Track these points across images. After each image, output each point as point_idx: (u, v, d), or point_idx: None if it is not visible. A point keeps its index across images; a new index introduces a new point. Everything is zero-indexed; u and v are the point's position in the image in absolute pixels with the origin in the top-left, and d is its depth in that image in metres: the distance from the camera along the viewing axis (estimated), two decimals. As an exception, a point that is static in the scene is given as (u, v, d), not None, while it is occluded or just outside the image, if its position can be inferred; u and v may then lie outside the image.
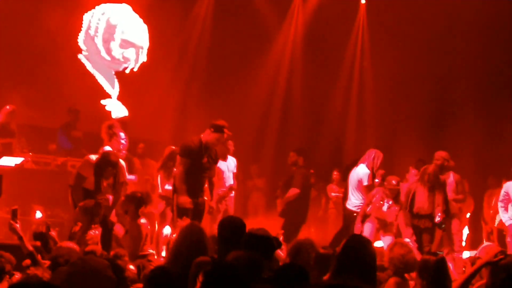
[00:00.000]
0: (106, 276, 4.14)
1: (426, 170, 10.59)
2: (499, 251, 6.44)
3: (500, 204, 10.69)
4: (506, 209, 10.59)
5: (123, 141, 10.04)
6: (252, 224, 6.67)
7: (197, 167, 9.38)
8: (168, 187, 10.90)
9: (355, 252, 4.79)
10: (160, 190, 11.38)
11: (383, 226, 11.00)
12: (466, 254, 11.59)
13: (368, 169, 11.44)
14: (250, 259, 4.91)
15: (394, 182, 10.95)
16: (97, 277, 4.10)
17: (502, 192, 10.69)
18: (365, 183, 11.31)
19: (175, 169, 9.73)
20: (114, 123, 10.33)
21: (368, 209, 11.10)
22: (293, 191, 12.18)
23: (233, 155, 12.32)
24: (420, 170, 11.04)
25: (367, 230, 10.97)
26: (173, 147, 11.10)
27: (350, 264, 4.72)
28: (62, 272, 4.55)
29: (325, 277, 5.51)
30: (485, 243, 8.62)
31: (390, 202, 10.89)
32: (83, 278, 4.09)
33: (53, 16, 14.07)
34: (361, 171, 11.40)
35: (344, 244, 4.93)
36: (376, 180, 11.46)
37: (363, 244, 4.94)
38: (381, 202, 10.97)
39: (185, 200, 9.24)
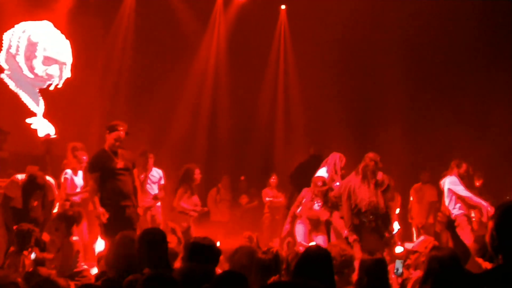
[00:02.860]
0: None
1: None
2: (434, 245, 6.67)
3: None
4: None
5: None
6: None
7: (110, 174, 9.25)
8: (186, 206, 11.46)
9: (313, 264, 4.89)
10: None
11: (315, 227, 11.13)
12: (399, 249, 11.85)
13: (328, 173, 11.46)
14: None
15: (319, 183, 11.11)
16: None
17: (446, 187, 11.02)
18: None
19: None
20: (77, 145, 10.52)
21: (298, 210, 11.24)
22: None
23: (159, 167, 12.28)
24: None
25: (299, 231, 11.09)
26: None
27: (307, 274, 4.80)
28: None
29: (274, 278, 5.60)
30: (421, 237, 8.77)
31: (320, 203, 11.05)
32: None
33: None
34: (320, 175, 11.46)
35: (303, 255, 5.04)
36: (337, 183, 11.55)
37: (322, 255, 5.05)
38: (312, 202, 11.12)
39: (99, 212, 9.12)
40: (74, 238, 8.47)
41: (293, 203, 11.71)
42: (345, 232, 10.23)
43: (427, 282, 5.12)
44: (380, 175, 10.62)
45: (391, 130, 15.16)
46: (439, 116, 15.46)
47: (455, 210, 11.05)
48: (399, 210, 13.52)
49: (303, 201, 11.18)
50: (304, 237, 10.99)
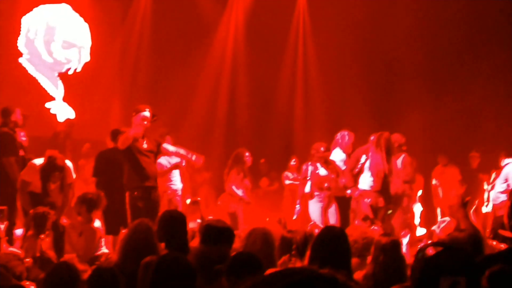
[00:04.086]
0: None
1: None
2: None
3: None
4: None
5: None
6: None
7: (136, 154, 9.21)
8: (237, 190, 11.58)
9: (328, 245, 4.84)
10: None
11: (329, 200, 11.03)
12: (420, 231, 11.74)
13: (344, 152, 11.37)
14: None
15: (322, 149, 11.06)
16: None
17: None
18: (344, 168, 11.32)
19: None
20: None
21: (307, 188, 11.14)
22: None
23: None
24: None
25: (314, 210, 11.00)
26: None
27: (323, 255, 4.75)
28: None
29: (284, 258, 5.65)
30: (445, 220, 8.64)
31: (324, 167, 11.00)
32: None
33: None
34: (338, 157, 11.35)
35: (317, 236, 5.01)
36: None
37: (337, 235, 4.99)
38: (316, 169, 11.04)
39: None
40: (96, 223, 8.44)
41: None
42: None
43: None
44: (400, 157, 10.56)
45: (411, 112, 15.00)
46: (460, 99, 15.25)
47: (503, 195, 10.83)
48: (422, 192, 13.37)
49: (308, 177, 11.11)
50: (320, 217, 10.91)
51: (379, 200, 10.30)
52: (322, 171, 11.00)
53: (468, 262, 2.55)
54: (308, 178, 11.15)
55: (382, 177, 10.24)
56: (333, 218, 10.90)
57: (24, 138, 10.51)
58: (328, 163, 11.06)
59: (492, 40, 15.22)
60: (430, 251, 2.85)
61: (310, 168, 11.15)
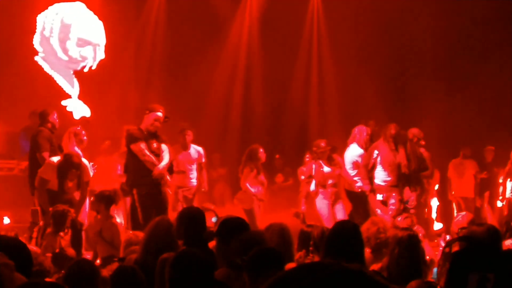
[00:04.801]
0: None
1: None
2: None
3: None
4: None
5: None
6: (220, 213, 6.76)
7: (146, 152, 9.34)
8: (251, 187, 11.57)
9: (342, 239, 4.88)
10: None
11: (336, 197, 11.03)
12: (437, 226, 11.71)
13: (361, 148, 11.31)
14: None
15: (322, 144, 11.09)
16: None
17: None
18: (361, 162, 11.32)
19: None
20: None
21: (312, 187, 11.15)
22: None
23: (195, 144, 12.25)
24: None
25: (322, 207, 11.01)
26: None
27: (337, 250, 4.80)
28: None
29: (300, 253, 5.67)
30: (460, 214, 8.60)
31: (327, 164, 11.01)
32: None
33: (6, 19, 13.92)
34: (355, 152, 11.29)
35: (331, 231, 5.06)
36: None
37: (350, 230, 5.04)
38: (320, 166, 11.05)
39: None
40: (117, 220, 8.50)
41: None
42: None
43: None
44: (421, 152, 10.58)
45: (426, 107, 14.95)
46: (475, 93, 15.17)
47: None
48: (438, 186, 13.35)
49: (312, 174, 11.13)
50: (328, 213, 10.92)
51: (391, 195, 10.30)
52: (326, 168, 11.01)
53: (496, 258, 2.55)
54: (312, 176, 11.18)
55: (396, 170, 10.24)
56: (340, 214, 10.90)
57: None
58: (331, 159, 11.06)
59: (511, 32, 15.15)
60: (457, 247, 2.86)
61: (313, 166, 11.18)
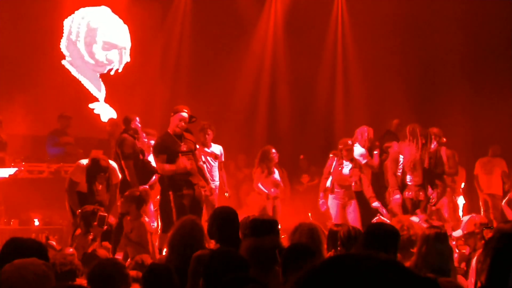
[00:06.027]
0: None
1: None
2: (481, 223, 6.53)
3: None
4: None
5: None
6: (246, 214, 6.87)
7: (175, 157, 9.46)
8: (263, 188, 11.66)
9: (380, 240, 4.98)
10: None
11: (349, 197, 11.02)
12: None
13: (363, 147, 11.54)
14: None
15: (350, 142, 11.13)
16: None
17: None
18: (364, 161, 11.42)
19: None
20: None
21: (328, 183, 11.15)
22: None
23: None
24: None
25: (333, 206, 11.01)
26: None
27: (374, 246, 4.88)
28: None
29: (330, 253, 5.72)
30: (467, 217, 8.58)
31: (348, 164, 11.01)
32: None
33: (33, 24, 14.08)
34: (357, 152, 11.44)
35: (367, 228, 5.27)
36: (375, 152, 11.61)
37: (389, 232, 5.17)
38: (340, 166, 11.05)
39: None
40: (146, 219, 8.57)
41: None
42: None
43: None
44: (441, 151, 10.55)
45: (452, 106, 14.90)
46: (501, 92, 15.11)
47: None
48: (464, 185, 13.31)
49: (331, 171, 11.14)
50: (336, 213, 10.92)
51: (420, 193, 10.29)
52: (345, 170, 11.01)
53: None
54: (330, 173, 11.20)
55: (421, 169, 10.24)
56: (352, 215, 10.90)
57: (146, 140, 10.88)
58: (354, 162, 11.07)
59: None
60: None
61: (333, 164, 11.20)
